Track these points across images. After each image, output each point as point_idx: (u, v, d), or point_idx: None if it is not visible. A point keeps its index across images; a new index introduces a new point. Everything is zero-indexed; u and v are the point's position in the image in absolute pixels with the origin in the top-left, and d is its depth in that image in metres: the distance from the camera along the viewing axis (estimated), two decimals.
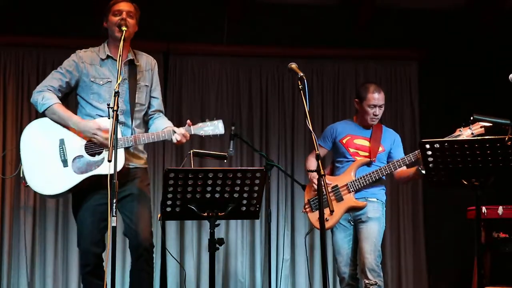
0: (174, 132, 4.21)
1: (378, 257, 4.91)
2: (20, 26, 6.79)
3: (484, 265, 5.57)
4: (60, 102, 4.30)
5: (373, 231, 4.95)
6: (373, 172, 4.98)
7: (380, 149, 5.10)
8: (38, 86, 4.35)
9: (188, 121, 4.33)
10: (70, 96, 4.47)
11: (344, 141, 5.14)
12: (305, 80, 4.04)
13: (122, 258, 6.59)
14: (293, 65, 4.21)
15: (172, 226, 6.74)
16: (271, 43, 7.14)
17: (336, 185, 5.03)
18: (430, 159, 3.90)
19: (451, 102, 7.16)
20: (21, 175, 4.26)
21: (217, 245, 3.90)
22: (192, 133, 4.27)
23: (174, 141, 4.22)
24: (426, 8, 7.29)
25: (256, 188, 3.88)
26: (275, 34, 7.15)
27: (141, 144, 4.37)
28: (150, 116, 4.48)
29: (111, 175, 3.77)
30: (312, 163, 5.17)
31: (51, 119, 4.28)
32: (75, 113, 4.34)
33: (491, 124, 4.48)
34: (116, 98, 3.86)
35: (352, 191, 4.99)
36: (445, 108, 7.17)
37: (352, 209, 5.01)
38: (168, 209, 3.89)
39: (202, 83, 7.08)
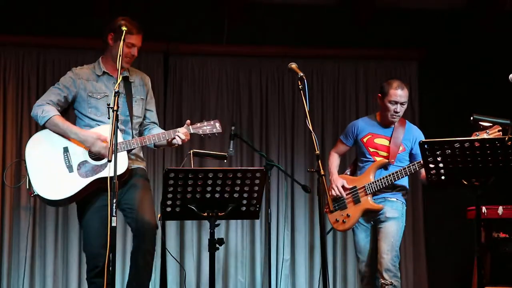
0: (176, 132, 4.32)
1: (395, 257, 4.85)
2: (20, 26, 6.78)
3: (484, 265, 5.57)
4: (60, 114, 4.39)
5: (391, 230, 4.88)
6: (390, 174, 4.88)
7: (401, 148, 4.98)
8: (38, 100, 4.45)
9: (188, 120, 4.46)
10: (69, 111, 4.56)
11: (364, 140, 5.04)
12: (305, 80, 4.05)
13: (122, 259, 6.59)
14: (293, 65, 4.21)
15: (172, 226, 6.73)
16: (271, 43, 7.13)
17: (355, 187, 4.98)
18: (430, 159, 3.91)
19: (450, 102, 7.15)
20: (26, 186, 4.36)
21: (217, 245, 3.90)
22: (192, 131, 4.39)
23: (179, 142, 4.31)
24: (426, 8, 7.29)
25: (256, 188, 3.88)
26: (275, 34, 7.14)
27: (139, 150, 4.50)
28: (145, 127, 4.59)
29: (111, 175, 3.79)
30: (334, 161, 5.17)
31: (52, 130, 4.36)
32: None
33: (491, 124, 4.47)
34: (116, 98, 3.91)
35: (370, 193, 4.92)
36: (445, 108, 7.16)
37: (368, 212, 4.95)
38: (168, 209, 3.89)
39: (202, 83, 7.07)
